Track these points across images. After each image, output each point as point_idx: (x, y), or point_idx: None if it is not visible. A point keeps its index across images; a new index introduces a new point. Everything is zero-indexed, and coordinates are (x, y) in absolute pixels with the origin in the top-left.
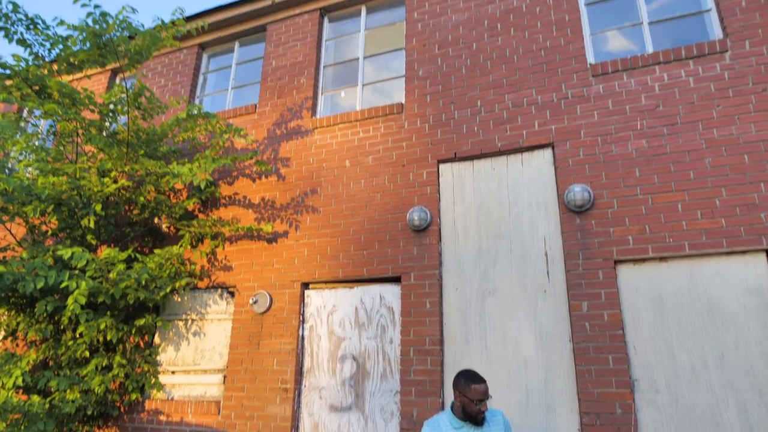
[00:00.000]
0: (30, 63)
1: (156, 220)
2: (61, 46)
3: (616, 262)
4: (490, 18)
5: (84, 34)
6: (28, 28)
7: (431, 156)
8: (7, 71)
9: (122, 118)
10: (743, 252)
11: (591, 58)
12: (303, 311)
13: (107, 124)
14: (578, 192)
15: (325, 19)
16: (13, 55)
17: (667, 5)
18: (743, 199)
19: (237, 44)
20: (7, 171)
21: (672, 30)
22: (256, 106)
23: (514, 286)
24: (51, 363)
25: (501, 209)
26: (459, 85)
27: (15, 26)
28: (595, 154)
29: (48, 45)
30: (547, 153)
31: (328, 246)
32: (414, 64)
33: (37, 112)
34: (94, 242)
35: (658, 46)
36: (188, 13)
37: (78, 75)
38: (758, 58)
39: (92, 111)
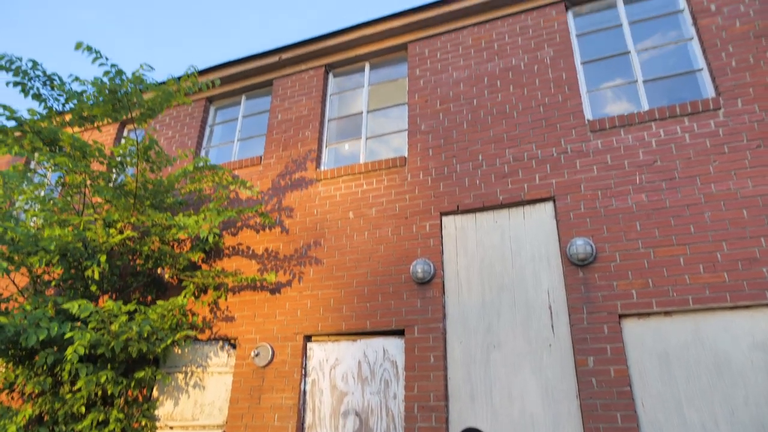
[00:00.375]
0: (44, 116)
1: (159, 270)
2: (75, 101)
3: (621, 316)
4: (489, 75)
5: (99, 91)
6: (44, 84)
7: (434, 208)
8: (16, 123)
9: (130, 169)
10: (747, 306)
11: (589, 115)
12: (305, 365)
13: (114, 175)
14: (580, 245)
15: (330, 75)
16: (29, 110)
17: (661, 62)
18: (744, 253)
19: (244, 97)
20: (13, 221)
21: (666, 88)
22: (261, 158)
23: (519, 339)
24: (46, 418)
25: (504, 261)
26: (460, 139)
27: (32, 82)
28: (595, 207)
29: (62, 99)
30: (548, 206)
31: (331, 298)
32: (416, 119)
33: (46, 163)
34: (97, 293)
35: (654, 102)
36: (198, 67)
37: (89, 126)
38: (751, 115)
39: (101, 163)
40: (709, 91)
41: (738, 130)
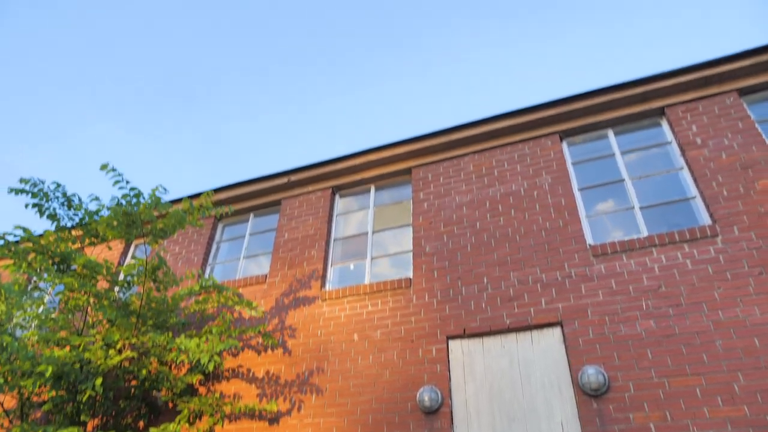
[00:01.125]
0: (58, 237)
1: (154, 392)
2: (88, 219)
3: None
4: (491, 200)
5: (115, 214)
6: (62, 204)
7: (440, 332)
8: (19, 241)
9: (134, 287)
10: None
11: (590, 239)
12: None
13: (119, 294)
14: (593, 374)
15: (337, 196)
16: (46, 231)
17: (655, 188)
18: (762, 384)
19: (252, 215)
20: (13, 337)
21: (662, 212)
22: (266, 276)
23: None
24: None
25: (514, 389)
26: (465, 261)
27: (50, 203)
28: (604, 333)
29: (77, 218)
30: (556, 331)
31: (333, 427)
32: (421, 241)
33: (51, 283)
34: (87, 418)
35: (652, 226)
36: (208, 186)
37: (98, 242)
38: (749, 242)
39: (108, 281)
40: (705, 218)
41: (738, 257)
